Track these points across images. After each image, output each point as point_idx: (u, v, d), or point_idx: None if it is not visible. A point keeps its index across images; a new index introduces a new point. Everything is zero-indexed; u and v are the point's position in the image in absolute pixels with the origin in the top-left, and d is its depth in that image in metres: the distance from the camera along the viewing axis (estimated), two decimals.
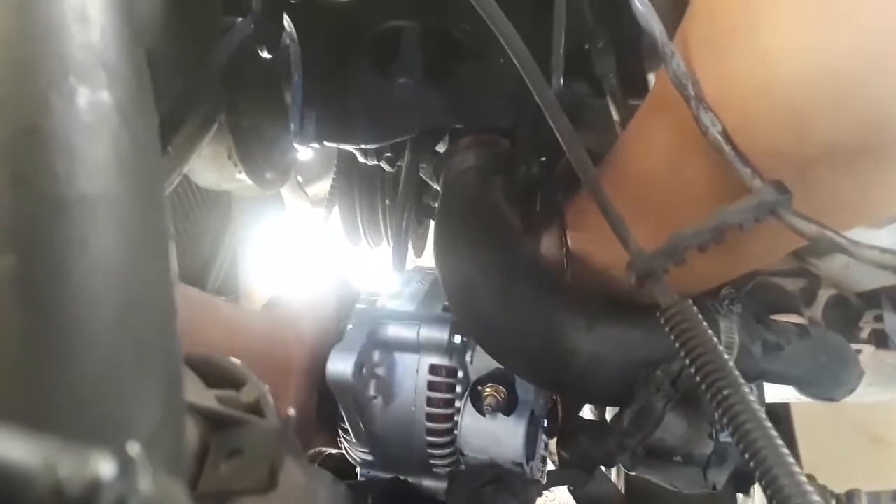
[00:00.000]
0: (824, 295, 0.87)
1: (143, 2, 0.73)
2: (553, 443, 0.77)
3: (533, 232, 0.69)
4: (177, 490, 0.14)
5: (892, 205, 0.47)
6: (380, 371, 0.71)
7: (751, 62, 0.40)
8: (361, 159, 0.80)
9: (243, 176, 0.85)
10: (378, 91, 0.74)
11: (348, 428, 0.71)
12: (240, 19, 0.76)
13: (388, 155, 0.80)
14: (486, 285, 0.62)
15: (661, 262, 0.48)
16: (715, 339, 0.45)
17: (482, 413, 0.68)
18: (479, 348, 0.70)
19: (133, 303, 0.19)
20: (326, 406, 0.73)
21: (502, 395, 0.67)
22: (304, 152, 1.04)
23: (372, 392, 0.70)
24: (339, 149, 0.98)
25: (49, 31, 0.22)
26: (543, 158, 0.76)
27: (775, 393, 0.80)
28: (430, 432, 0.70)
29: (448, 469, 0.72)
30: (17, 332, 0.17)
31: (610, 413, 0.88)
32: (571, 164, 0.54)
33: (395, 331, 0.72)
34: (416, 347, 0.71)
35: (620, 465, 0.62)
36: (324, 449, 0.82)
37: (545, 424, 0.73)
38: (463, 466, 0.72)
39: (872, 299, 0.85)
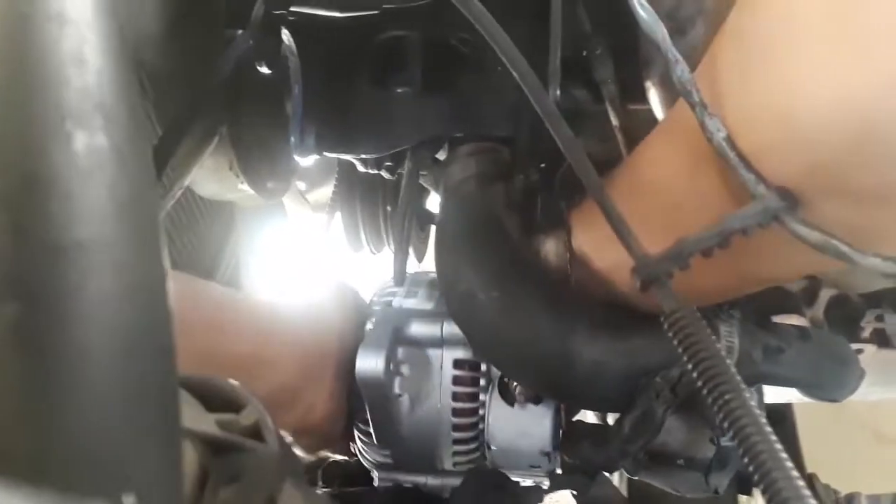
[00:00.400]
0: (826, 295, 0.87)
1: (145, 16, 0.74)
2: None
3: (533, 239, 0.69)
4: None
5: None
6: (404, 369, 0.71)
7: (775, 91, 0.40)
8: (361, 169, 0.80)
9: (245, 186, 0.86)
10: (377, 101, 0.75)
11: (370, 430, 0.72)
12: (240, 32, 0.77)
13: (389, 164, 0.80)
14: (486, 294, 0.63)
15: (665, 267, 0.49)
16: (717, 345, 0.45)
17: (511, 403, 0.69)
18: None
19: (130, 348, 0.20)
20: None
21: None
22: (305, 160, 1.04)
23: (397, 390, 0.70)
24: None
25: (46, 77, 0.22)
26: (543, 165, 0.76)
27: (777, 393, 0.81)
28: (456, 427, 0.70)
29: (472, 465, 0.72)
30: (18, 381, 0.17)
31: (611, 419, 0.89)
32: (573, 169, 0.54)
33: (418, 328, 0.73)
34: (440, 343, 0.71)
35: (623, 469, 0.63)
36: (329, 455, 0.83)
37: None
38: (488, 462, 0.72)
39: (874, 299, 0.85)
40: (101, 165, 0.22)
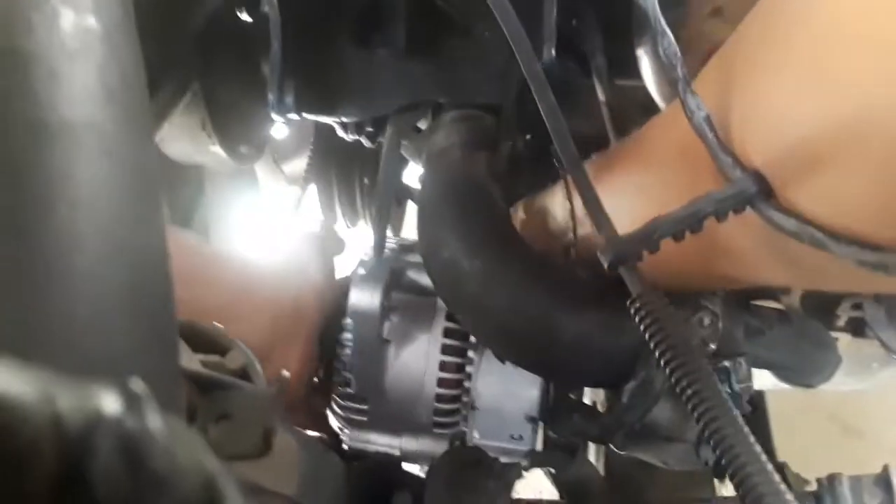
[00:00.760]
0: None
1: None
2: None
3: (536, 203, 0.68)
4: (189, 431, 0.13)
5: None
6: (395, 315, 0.69)
7: (765, 94, 0.39)
8: (341, 133, 0.78)
9: (217, 148, 0.83)
10: (360, 62, 0.72)
11: (348, 380, 0.69)
12: None
13: (369, 130, 0.78)
14: (469, 262, 0.61)
15: (634, 248, 0.47)
16: (686, 332, 0.44)
17: (503, 360, 0.67)
18: None
19: (121, 237, 0.17)
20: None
21: None
22: (280, 129, 1.01)
23: (386, 335, 0.68)
24: (315, 125, 0.95)
25: None
26: (529, 137, 0.75)
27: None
28: (441, 382, 0.69)
29: (451, 430, 0.70)
30: (4, 264, 0.15)
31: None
32: (574, 136, 0.52)
33: (413, 275, 0.72)
34: (434, 293, 0.69)
35: (612, 444, 0.61)
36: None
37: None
38: (468, 427, 0.70)
39: None
40: (90, 47, 0.19)
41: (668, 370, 0.42)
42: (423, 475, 0.71)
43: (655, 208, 0.53)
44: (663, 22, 0.48)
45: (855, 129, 0.33)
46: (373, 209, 0.95)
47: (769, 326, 0.70)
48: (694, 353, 0.42)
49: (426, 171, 0.70)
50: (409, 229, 1.04)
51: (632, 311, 0.45)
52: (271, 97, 0.69)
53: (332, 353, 0.70)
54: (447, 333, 0.70)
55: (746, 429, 0.40)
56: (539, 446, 0.70)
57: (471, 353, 0.70)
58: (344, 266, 0.82)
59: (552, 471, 0.69)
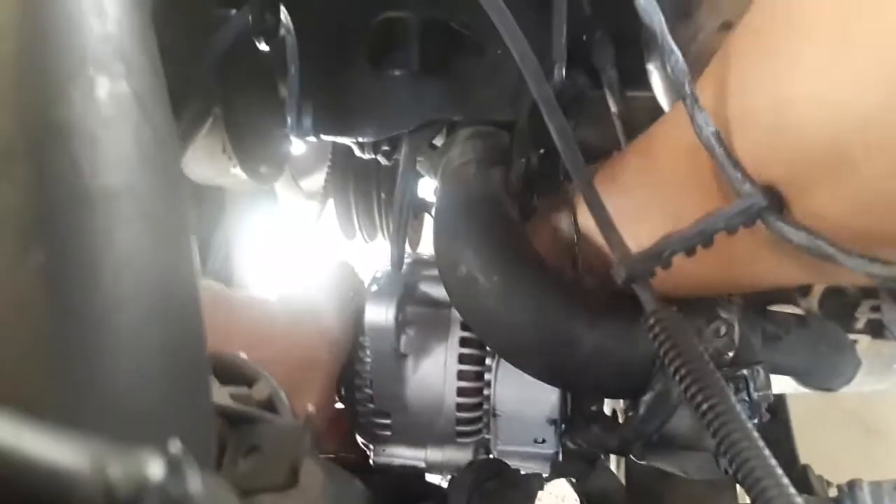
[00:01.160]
0: (820, 285, 0.87)
1: None
2: None
3: (541, 218, 0.69)
4: (224, 489, 0.14)
5: None
6: (411, 329, 0.71)
7: (775, 91, 0.39)
8: (358, 153, 0.79)
9: (238, 170, 0.84)
10: (375, 83, 0.74)
11: (369, 396, 0.70)
12: (234, 11, 0.75)
13: (385, 148, 0.79)
14: (487, 278, 0.62)
15: (647, 265, 0.48)
16: (700, 348, 0.44)
17: None
18: None
19: (160, 296, 0.19)
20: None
21: None
22: (298, 146, 1.03)
23: (403, 349, 0.70)
24: (333, 142, 0.97)
25: (67, 23, 0.21)
26: (542, 151, 0.76)
27: (772, 384, 0.81)
28: (462, 392, 0.70)
29: (474, 438, 0.71)
30: (49, 328, 0.16)
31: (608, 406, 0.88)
32: (587, 147, 0.53)
33: (427, 288, 0.73)
34: (448, 304, 0.71)
35: (631, 453, 0.62)
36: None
37: None
38: (489, 436, 0.71)
39: (869, 289, 0.85)
40: (125, 113, 0.21)
41: (682, 386, 0.43)
42: (445, 485, 0.72)
43: (666, 221, 0.54)
44: (671, 41, 0.49)
45: (876, 132, 0.33)
46: (391, 224, 0.97)
47: (786, 332, 0.71)
48: (708, 368, 0.43)
49: (442, 189, 0.72)
50: (428, 242, 1.05)
51: (646, 327, 0.46)
52: (290, 120, 0.71)
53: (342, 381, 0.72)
54: (463, 343, 0.71)
55: (762, 443, 0.41)
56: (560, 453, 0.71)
57: (488, 361, 0.71)
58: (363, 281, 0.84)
59: (573, 480, 0.70)
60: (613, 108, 0.77)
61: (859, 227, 0.39)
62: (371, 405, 0.71)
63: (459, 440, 0.71)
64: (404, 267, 0.75)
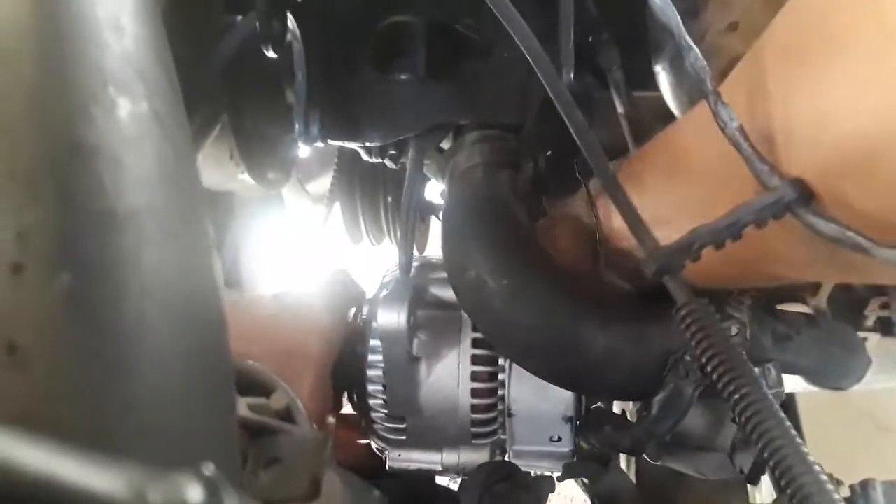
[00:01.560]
0: (829, 283, 0.87)
1: None
2: None
3: (560, 215, 0.69)
4: None
5: None
6: (423, 333, 0.71)
7: (809, 110, 0.39)
8: (365, 157, 0.79)
9: (245, 176, 0.85)
10: (381, 88, 0.74)
11: (384, 398, 0.71)
12: (240, 18, 0.76)
13: (392, 152, 0.79)
14: (496, 281, 0.62)
15: (677, 259, 0.48)
16: (731, 339, 0.45)
17: None
18: None
19: (186, 313, 0.19)
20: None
21: None
22: (304, 149, 1.03)
23: (415, 352, 0.70)
24: (340, 146, 0.97)
25: (85, 42, 0.21)
26: (549, 153, 0.76)
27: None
28: (476, 393, 0.70)
29: (490, 439, 0.71)
30: (77, 352, 0.17)
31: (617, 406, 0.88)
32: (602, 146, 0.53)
33: (437, 291, 0.73)
34: (459, 306, 0.71)
35: (645, 454, 0.62)
36: None
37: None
38: (504, 436, 0.71)
39: (878, 287, 0.85)
40: (146, 133, 0.21)
41: (714, 376, 0.43)
42: (455, 488, 0.72)
43: (694, 218, 0.54)
44: (689, 38, 0.49)
45: None
46: (397, 227, 0.97)
47: (797, 331, 0.70)
48: (741, 360, 0.43)
49: (449, 192, 0.72)
50: (434, 244, 1.05)
51: (678, 319, 0.46)
52: (298, 127, 0.71)
53: (347, 387, 0.72)
54: (476, 344, 0.71)
55: (794, 433, 0.41)
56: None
57: (501, 361, 0.71)
58: (370, 284, 0.84)
59: (585, 481, 0.70)
60: (620, 109, 0.77)
61: (890, 221, 0.39)
62: (385, 410, 0.71)
63: (475, 442, 0.71)
64: (413, 270, 0.75)
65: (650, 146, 0.64)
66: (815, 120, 0.39)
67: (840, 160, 0.38)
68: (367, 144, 0.76)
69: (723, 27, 0.62)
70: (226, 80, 0.76)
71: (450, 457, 0.72)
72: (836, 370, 0.75)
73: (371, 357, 0.72)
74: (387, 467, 0.73)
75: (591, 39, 0.73)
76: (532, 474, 0.71)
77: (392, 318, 0.68)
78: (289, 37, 0.69)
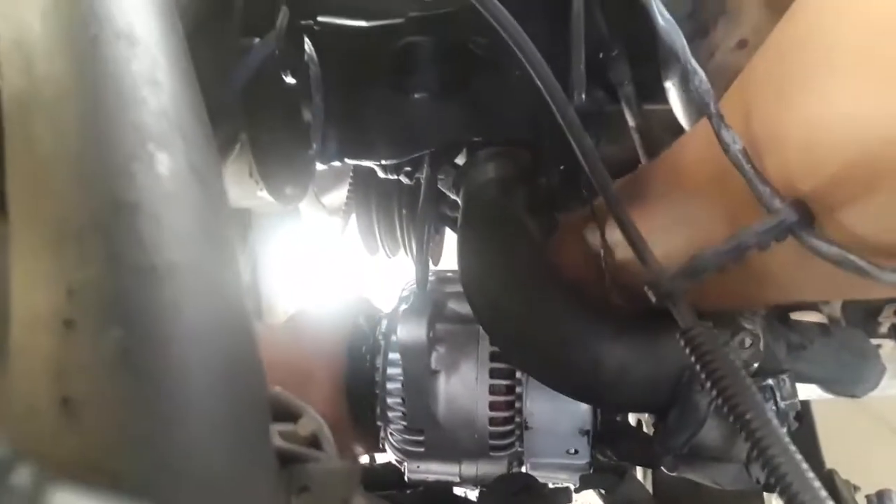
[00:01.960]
0: None
1: None
2: None
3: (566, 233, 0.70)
4: None
5: None
6: (441, 346, 0.72)
7: (811, 109, 0.39)
8: (381, 174, 0.81)
9: (264, 193, 0.86)
10: (396, 107, 0.75)
11: (403, 411, 0.72)
12: (257, 40, 0.77)
13: (407, 169, 0.81)
14: (511, 300, 0.63)
15: (680, 283, 0.49)
16: (736, 362, 0.45)
17: None
18: None
19: (226, 363, 0.20)
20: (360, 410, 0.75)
21: None
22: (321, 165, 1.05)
23: (434, 366, 0.71)
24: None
25: (123, 98, 0.23)
26: (563, 167, 0.77)
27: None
28: (494, 406, 0.71)
29: (507, 451, 0.72)
30: (127, 403, 0.18)
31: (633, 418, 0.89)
32: (607, 160, 0.54)
33: (455, 305, 0.74)
34: (475, 320, 0.71)
35: (662, 466, 0.63)
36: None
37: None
38: (521, 449, 0.72)
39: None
40: (184, 187, 0.22)
41: (720, 401, 0.44)
42: (474, 499, 0.73)
43: (692, 236, 0.55)
44: (694, 61, 0.50)
45: None
46: (412, 240, 0.98)
47: (810, 341, 0.71)
48: (745, 384, 0.44)
49: (464, 209, 0.73)
50: (449, 256, 1.06)
51: (681, 343, 0.47)
52: (315, 147, 0.72)
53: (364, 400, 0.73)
54: (493, 357, 0.72)
55: (799, 456, 0.42)
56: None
57: (518, 374, 0.72)
58: (388, 295, 0.85)
59: (602, 491, 0.71)
60: (631, 122, 0.78)
61: (890, 242, 0.39)
62: (404, 422, 0.72)
63: (492, 454, 0.72)
64: (430, 284, 0.77)
65: (653, 164, 0.65)
66: (807, 138, 0.40)
67: (834, 180, 0.39)
68: (383, 162, 0.77)
69: (732, 45, 0.62)
70: (245, 99, 0.78)
71: (468, 469, 0.73)
72: (850, 378, 0.75)
73: (390, 370, 0.73)
74: (405, 479, 0.75)
75: (601, 55, 0.74)
76: (549, 485, 0.71)
77: (412, 332, 0.69)
78: (305, 58, 0.71)
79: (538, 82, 0.55)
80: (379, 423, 0.76)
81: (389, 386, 0.73)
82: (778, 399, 0.66)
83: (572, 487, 0.71)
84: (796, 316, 0.76)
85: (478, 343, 0.72)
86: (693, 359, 0.46)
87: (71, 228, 0.20)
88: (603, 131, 0.77)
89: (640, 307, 0.66)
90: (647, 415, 0.85)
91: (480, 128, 0.74)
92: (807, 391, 0.81)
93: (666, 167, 0.63)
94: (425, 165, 0.78)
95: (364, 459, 0.83)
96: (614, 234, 0.66)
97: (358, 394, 0.75)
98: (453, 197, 0.84)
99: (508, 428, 0.71)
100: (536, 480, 0.69)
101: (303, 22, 0.68)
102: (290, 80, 0.66)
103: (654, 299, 0.49)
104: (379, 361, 0.75)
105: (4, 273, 0.27)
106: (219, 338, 0.21)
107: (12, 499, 0.15)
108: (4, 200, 0.23)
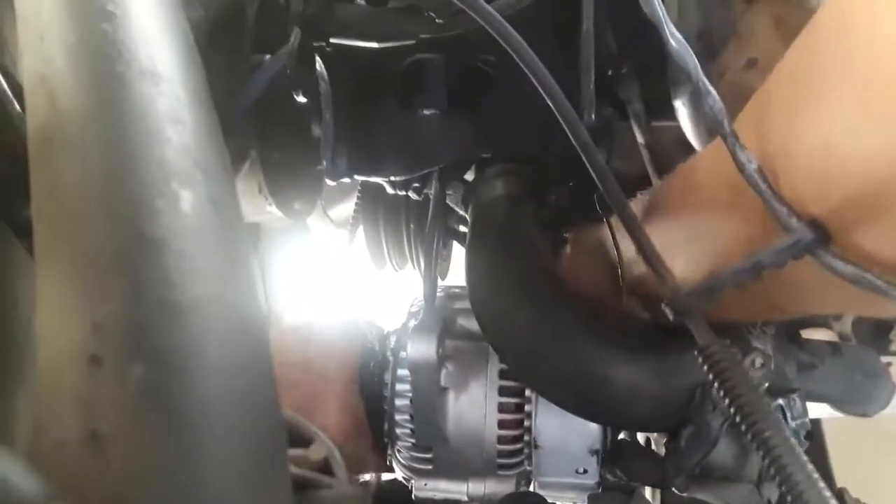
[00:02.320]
0: None
1: None
2: None
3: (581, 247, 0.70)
4: None
5: None
6: (450, 364, 0.72)
7: (822, 128, 0.39)
8: (390, 190, 0.81)
9: (273, 208, 0.86)
10: (405, 124, 0.75)
11: (411, 428, 0.72)
12: (268, 57, 0.78)
13: (416, 185, 0.81)
14: (520, 318, 0.63)
15: (697, 301, 0.49)
16: (753, 381, 0.45)
17: None
18: None
19: (248, 403, 0.20)
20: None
21: None
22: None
23: (443, 383, 0.71)
24: None
25: (147, 136, 0.23)
26: (572, 184, 0.77)
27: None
28: (503, 424, 0.71)
29: (516, 470, 0.72)
30: (153, 438, 0.18)
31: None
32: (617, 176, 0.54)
33: (465, 322, 0.74)
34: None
35: (673, 487, 0.63)
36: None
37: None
38: (530, 467, 0.72)
39: None
40: (207, 223, 0.22)
41: (738, 417, 0.44)
42: None
43: (707, 253, 0.55)
44: (707, 82, 0.50)
45: None
46: (420, 255, 0.98)
47: (821, 360, 0.71)
48: (762, 402, 0.44)
49: (473, 225, 0.73)
50: (456, 270, 1.06)
51: (700, 360, 0.47)
52: (325, 163, 0.73)
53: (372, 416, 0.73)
54: (503, 375, 0.72)
55: (816, 475, 0.42)
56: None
57: (528, 393, 0.72)
58: (394, 310, 0.86)
59: None
60: (641, 139, 0.78)
61: None
62: (412, 439, 0.72)
63: (501, 472, 0.72)
64: (439, 300, 0.77)
65: (667, 181, 0.65)
66: (820, 156, 0.40)
67: (846, 201, 0.39)
68: (392, 178, 0.78)
69: (741, 65, 0.63)
70: (255, 116, 0.78)
71: (476, 487, 0.73)
72: (860, 397, 0.75)
73: (399, 387, 0.73)
74: (413, 496, 0.74)
75: (610, 73, 0.74)
76: None
77: (422, 349, 0.69)
78: (317, 77, 0.71)
79: (549, 102, 0.55)
80: (386, 440, 0.76)
81: (398, 402, 0.73)
82: (789, 418, 0.66)
83: None
84: (806, 334, 0.76)
85: (487, 360, 0.73)
86: (711, 376, 0.46)
87: (97, 264, 0.20)
88: (613, 148, 0.77)
89: (661, 319, 0.66)
90: (656, 434, 0.85)
91: (489, 144, 0.75)
92: (817, 409, 0.80)
93: (680, 185, 0.63)
94: (434, 181, 0.78)
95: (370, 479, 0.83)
96: (630, 250, 0.66)
97: (367, 410, 0.75)
98: (460, 211, 0.85)
99: (517, 446, 0.71)
100: (545, 499, 0.69)
101: (315, 43, 0.68)
102: (301, 98, 0.66)
103: (671, 317, 0.49)
104: (387, 377, 0.75)
105: (26, 299, 0.27)
106: (241, 371, 0.21)
107: None
108: (28, 225, 0.23)
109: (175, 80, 0.25)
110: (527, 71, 0.55)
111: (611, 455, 0.70)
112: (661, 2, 0.55)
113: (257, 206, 0.86)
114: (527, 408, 0.71)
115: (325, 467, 0.34)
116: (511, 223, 0.71)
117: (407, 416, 0.72)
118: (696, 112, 0.69)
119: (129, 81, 0.24)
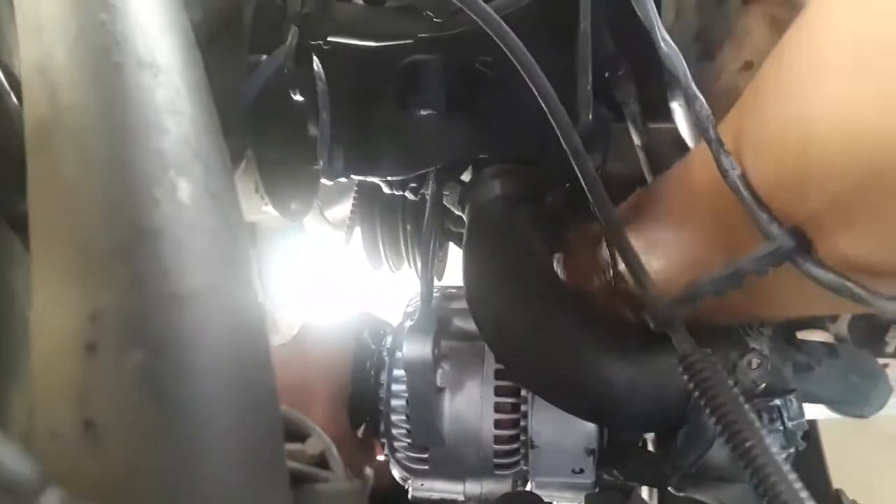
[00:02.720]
0: None
1: None
2: None
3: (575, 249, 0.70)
4: None
5: None
6: (446, 363, 0.72)
7: (793, 126, 0.40)
8: (387, 190, 0.81)
9: (269, 208, 0.86)
10: (402, 124, 0.75)
11: (407, 428, 0.72)
12: (264, 57, 0.78)
13: (413, 185, 0.81)
14: (517, 318, 0.63)
15: (678, 310, 0.49)
16: (735, 389, 0.45)
17: None
18: None
19: (244, 394, 0.20)
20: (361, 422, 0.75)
21: None
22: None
23: (439, 383, 0.71)
24: None
25: (146, 126, 0.23)
26: (569, 185, 0.77)
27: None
28: (499, 424, 0.71)
29: (513, 470, 0.72)
30: (149, 427, 0.18)
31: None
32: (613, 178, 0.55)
33: (460, 322, 0.75)
34: (480, 337, 0.72)
35: (669, 487, 0.63)
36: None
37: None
38: (526, 467, 0.72)
39: None
40: (205, 214, 0.22)
41: (719, 428, 0.44)
42: None
43: (688, 258, 0.55)
44: (695, 87, 0.50)
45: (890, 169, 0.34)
46: (417, 255, 0.98)
47: (818, 362, 0.71)
48: (742, 410, 0.44)
49: (469, 226, 0.73)
50: (452, 270, 1.06)
51: (681, 368, 0.47)
52: (322, 163, 0.73)
53: (367, 415, 0.73)
54: (498, 375, 0.72)
55: (799, 484, 0.42)
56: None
57: (524, 393, 0.72)
58: (391, 309, 0.85)
59: None
60: (637, 141, 0.78)
61: (887, 266, 0.39)
62: (408, 440, 0.72)
63: (497, 472, 0.72)
64: (434, 301, 0.77)
65: (653, 185, 0.65)
66: (799, 155, 0.40)
67: (826, 199, 0.39)
68: (389, 178, 0.78)
69: (738, 67, 0.63)
70: (252, 115, 0.78)
71: (472, 487, 0.73)
72: (857, 399, 0.75)
73: (395, 387, 0.73)
74: (409, 497, 0.74)
75: (607, 74, 0.75)
76: None
77: (418, 349, 0.69)
78: (314, 77, 0.71)
79: (543, 106, 0.55)
80: (382, 440, 0.76)
81: (394, 403, 0.73)
82: (785, 419, 0.66)
83: None
84: (803, 335, 0.76)
85: (483, 360, 0.73)
86: (692, 385, 0.46)
87: (95, 254, 0.20)
88: (609, 150, 0.77)
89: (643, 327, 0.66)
90: (652, 434, 0.85)
91: (486, 144, 0.75)
92: (814, 411, 0.80)
93: (666, 189, 0.63)
94: (431, 182, 0.78)
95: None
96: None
97: (362, 410, 0.75)
98: (458, 213, 0.85)
99: (513, 446, 0.71)
100: (541, 499, 0.69)
101: (312, 42, 0.68)
102: (298, 98, 0.66)
103: (652, 325, 0.50)
104: (383, 378, 0.75)
105: (22, 291, 0.27)
106: (238, 362, 0.21)
107: None
108: (24, 219, 0.23)
109: (174, 71, 0.25)
110: (523, 73, 0.55)
111: (608, 455, 0.70)
112: (654, 5, 0.55)
113: (254, 206, 0.86)
114: (523, 408, 0.71)
115: (322, 462, 0.34)
116: (508, 224, 0.71)
117: (403, 417, 0.72)
118: (691, 114, 0.69)
119: (127, 72, 0.24)
